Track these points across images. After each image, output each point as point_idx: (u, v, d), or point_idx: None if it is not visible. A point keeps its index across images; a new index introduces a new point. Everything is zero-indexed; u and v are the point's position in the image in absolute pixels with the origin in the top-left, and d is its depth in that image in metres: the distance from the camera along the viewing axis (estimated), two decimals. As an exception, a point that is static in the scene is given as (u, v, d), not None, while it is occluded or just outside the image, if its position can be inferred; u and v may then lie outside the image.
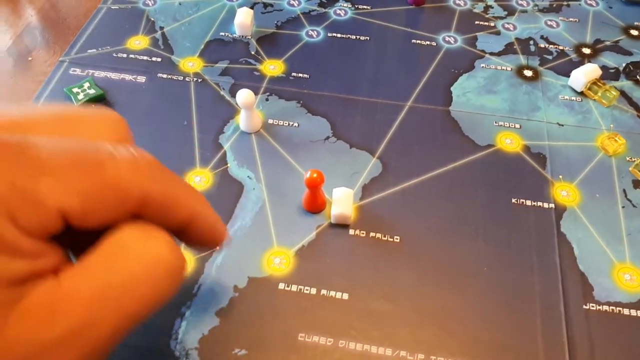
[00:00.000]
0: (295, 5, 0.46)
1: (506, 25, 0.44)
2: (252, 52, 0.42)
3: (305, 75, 0.40)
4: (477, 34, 0.43)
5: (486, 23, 0.44)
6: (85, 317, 0.16)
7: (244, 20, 0.42)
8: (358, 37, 0.43)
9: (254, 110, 0.36)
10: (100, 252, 0.18)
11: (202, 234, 0.21)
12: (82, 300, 0.16)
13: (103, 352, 0.17)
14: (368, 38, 0.43)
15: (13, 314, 0.15)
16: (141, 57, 0.41)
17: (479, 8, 0.46)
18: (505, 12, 0.45)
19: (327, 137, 0.36)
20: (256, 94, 0.39)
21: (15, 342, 0.15)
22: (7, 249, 0.15)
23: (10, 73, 0.41)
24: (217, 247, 0.27)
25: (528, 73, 0.41)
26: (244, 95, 0.34)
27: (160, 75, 0.40)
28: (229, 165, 0.35)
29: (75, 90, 0.38)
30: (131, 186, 0.18)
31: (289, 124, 0.37)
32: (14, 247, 0.15)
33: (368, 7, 0.45)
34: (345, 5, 0.46)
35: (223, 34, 0.43)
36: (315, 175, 0.30)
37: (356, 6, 0.45)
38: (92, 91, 0.38)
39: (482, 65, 0.41)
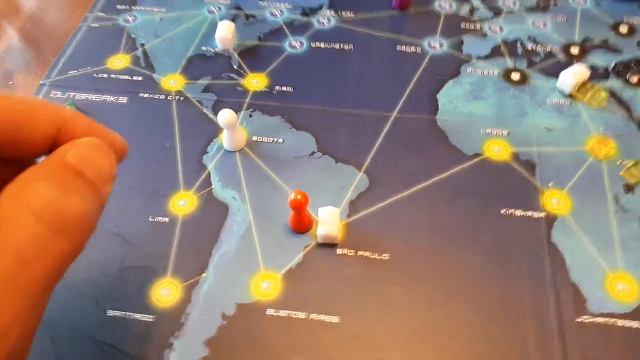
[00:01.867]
0: (278, 15, 0.45)
1: (493, 27, 0.43)
2: (235, 67, 0.41)
3: (289, 89, 0.40)
4: (462, 37, 0.43)
5: (472, 26, 0.44)
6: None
7: (225, 34, 0.41)
8: (342, 46, 0.42)
9: (236, 129, 0.35)
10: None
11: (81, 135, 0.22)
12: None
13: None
14: (352, 47, 0.42)
15: None
16: (122, 77, 0.41)
17: (464, 10, 0.45)
18: (492, 14, 0.45)
19: (313, 153, 0.36)
20: (239, 110, 0.38)
21: None
22: None
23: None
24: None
25: (515, 76, 0.40)
26: (225, 115, 0.34)
27: (142, 94, 0.39)
28: (213, 186, 0.34)
29: (56, 114, 0.37)
30: None
31: (273, 140, 0.37)
32: None
33: (352, 14, 0.45)
34: (329, 13, 0.45)
35: (205, 48, 0.42)
36: (299, 196, 0.30)
37: (340, 12, 0.45)
38: (73, 115, 0.37)
39: (468, 70, 0.40)
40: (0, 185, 0.19)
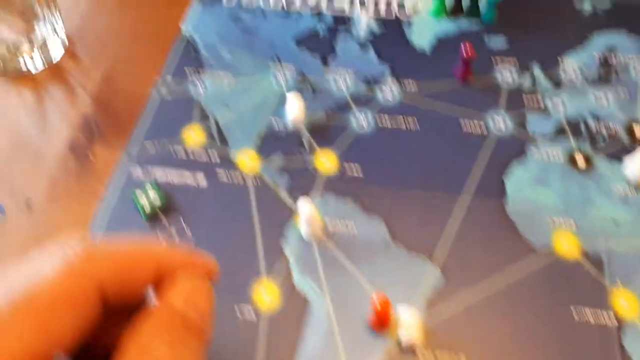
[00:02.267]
0: (343, 87, 0.46)
1: (555, 102, 0.44)
2: (305, 145, 0.43)
3: (358, 169, 0.41)
4: (526, 112, 0.44)
5: (534, 100, 0.44)
6: None
7: (296, 113, 0.43)
8: (407, 120, 0.44)
9: (314, 219, 0.37)
10: None
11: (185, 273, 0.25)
12: None
13: None
14: (417, 120, 0.44)
15: None
16: (199, 153, 0.43)
17: (526, 81, 0.46)
18: (553, 86, 0.45)
19: (385, 241, 0.38)
20: (313, 193, 0.40)
21: None
22: None
23: (74, 173, 0.43)
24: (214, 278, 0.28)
25: (580, 161, 0.41)
26: (304, 209, 0.36)
27: (219, 174, 0.41)
28: (293, 276, 0.36)
29: (140, 200, 0.40)
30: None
31: (347, 227, 0.38)
32: None
33: (414, 86, 0.46)
34: (392, 84, 0.46)
35: (275, 123, 0.44)
36: (380, 306, 0.32)
37: (403, 85, 0.46)
38: (157, 200, 0.40)
39: (533, 152, 0.41)
40: (109, 331, 0.21)
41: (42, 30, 0.48)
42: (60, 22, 0.50)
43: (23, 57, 0.48)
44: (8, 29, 0.46)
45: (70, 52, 0.51)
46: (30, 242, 0.39)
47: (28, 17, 0.46)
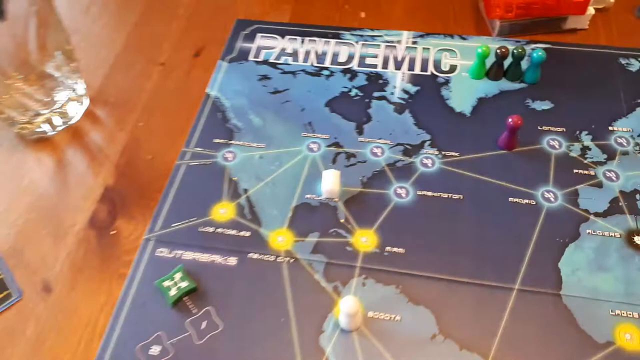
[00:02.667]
0: (379, 154, 0.44)
1: (607, 174, 0.41)
2: (342, 220, 0.40)
3: (401, 250, 0.38)
4: (577, 187, 0.41)
5: (585, 171, 0.42)
6: None
7: (332, 187, 0.40)
8: (450, 195, 0.41)
9: (356, 314, 0.34)
10: None
11: None
12: None
13: None
14: (461, 197, 0.41)
15: None
16: (229, 232, 0.40)
17: (575, 151, 0.43)
18: (605, 156, 0.42)
19: (434, 335, 0.35)
20: (351, 276, 0.37)
21: None
22: None
23: (96, 251, 0.41)
24: None
25: (639, 240, 0.38)
26: (349, 305, 0.33)
27: (250, 255, 0.39)
28: (335, 377, 0.33)
29: (166, 284, 0.37)
30: None
31: (390, 318, 0.36)
32: None
33: (456, 154, 0.43)
34: (432, 152, 0.43)
35: (309, 196, 0.41)
36: None
37: (443, 153, 0.43)
38: (184, 284, 0.37)
39: (587, 231, 0.39)
40: None
41: (61, 94, 0.46)
42: (81, 84, 0.47)
43: (43, 124, 0.46)
44: (27, 97, 0.44)
45: (91, 114, 0.49)
46: (48, 328, 0.37)
47: (46, 83, 0.44)
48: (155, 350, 0.35)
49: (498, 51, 0.45)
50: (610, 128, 0.44)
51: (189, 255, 0.39)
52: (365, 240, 0.39)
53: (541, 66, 0.46)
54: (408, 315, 0.36)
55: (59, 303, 0.38)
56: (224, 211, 0.41)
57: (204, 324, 0.36)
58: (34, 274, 0.39)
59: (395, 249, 0.39)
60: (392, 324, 0.35)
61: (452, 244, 0.39)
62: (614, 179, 0.41)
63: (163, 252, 0.39)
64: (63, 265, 0.40)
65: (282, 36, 0.52)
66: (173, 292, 0.37)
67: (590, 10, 0.50)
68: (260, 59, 0.51)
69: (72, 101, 0.47)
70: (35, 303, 0.38)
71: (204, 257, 0.39)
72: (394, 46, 0.51)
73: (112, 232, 0.41)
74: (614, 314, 0.35)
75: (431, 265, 0.38)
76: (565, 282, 0.36)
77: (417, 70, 0.49)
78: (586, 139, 0.44)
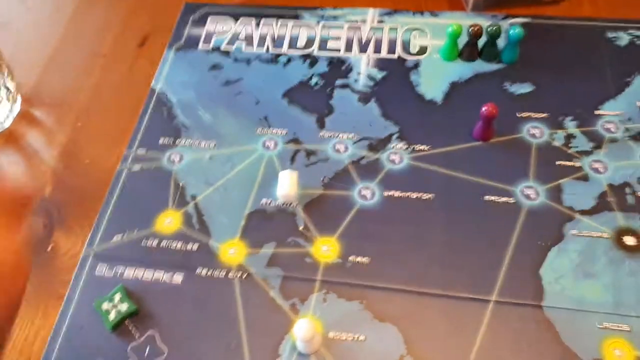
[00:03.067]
0: (342, 150, 0.39)
1: (594, 165, 0.37)
2: (300, 228, 0.36)
3: (365, 260, 0.35)
4: (560, 181, 0.37)
5: (570, 163, 0.38)
6: None
7: (288, 190, 0.36)
8: (420, 194, 0.37)
9: (314, 337, 0.31)
10: None
11: None
12: None
13: None
14: (431, 197, 0.37)
15: None
16: (175, 245, 0.36)
17: (558, 139, 0.39)
18: (591, 144, 0.38)
19: (402, 357, 0.31)
20: (310, 291, 0.34)
21: None
22: None
23: (32, 271, 0.36)
24: None
25: (630, 240, 0.34)
26: (304, 331, 0.29)
27: (198, 271, 0.35)
28: (291, 410, 0.30)
29: (105, 306, 0.33)
30: None
31: (353, 338, 0.32)
32: None
33: (426, 148, 0.39)
34: (400, 146, 0.39)
35: (265, 201, 0.37)
36: None
37: (412, 147, 0.39)
38: (124, 306, 0.33)
39: (572, 231, 0.35)
40: None
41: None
42: (11, 83, 0.43)
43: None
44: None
45: (26, 116, 0.44)
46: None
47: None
48: (94, 381, 0.31)
49: (470, 30, 0.41)
50: (597, 112, 0.40)
51: (130, 272, 0.35)
52: (326, 249, 0.35)
53: (519, 44, 0.42)
54: (373, 335, 0.32)
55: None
56: (169, 221, 0.37)
57: (147, 350, 0.32)
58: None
59: (359, 259, 0.35)
60: (356, 345, 0.32)
61: (421, 251, 0.35)
62: (601, 170, 0.37)
63: (103, 270, 0.35)
64: (-8, 291, 0.36)
65: (236, 19, 0.47)
66: (112, 315, 0.33)
67: (574, -21, 0.46)
68: (211, 46, 0.46)
69: (2, 100, 0.42)
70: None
71: (147, 274, 0.35)
72: (359, 27, 0.46)
73: (49, 249, 0.37)
74: (601, 327, 0.31)
75: (398, 276, 0.34)
76: (547, 291, 0.33)
77: (384, 53, 0.44)
78: (570, 126, 0.39)
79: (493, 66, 0.43)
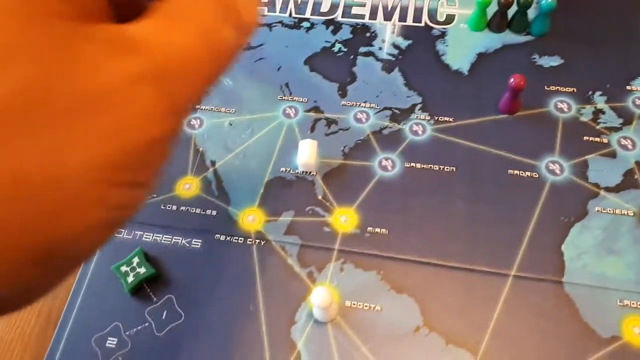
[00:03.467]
0: (364, 120, 0.39)
1: (623, 142, 0.36)
2: (319, 197, 0.36)
3: (384, 231, 0.34)
4: (587, 157, 0.36)
5: (597, 139, 0.37)
6: (166, 61, 0.14)
7: (308, 159, 0.36)
8: (442, 167, 0.36)
9: (330, 305, 0.31)
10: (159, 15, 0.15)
11: None
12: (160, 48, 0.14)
13: (184, 109, 0.16)
14: (454, 169, 0.36)
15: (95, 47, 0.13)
16: (193, 210, 0.36)
17: (586, 115, 0.38)
18: (621, 120, 0.37)
19: (417, 328, 0.31)
20: (328, 260, 0.33)
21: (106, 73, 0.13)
22: None
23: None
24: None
25: (656, 219, 0.33)
26: (321, 299, 0.29)
27: (217, 237, 0.35)
28: (305, 373, 0.30)
29: (123, 269, 0.34)
30: None
31: (369, 308, 0.32)
32: None
33: (450, 120, 0.38)
34: (423, 117, 0.38)
35: (284, 169, 0.37)
36: None
37: (436, 118, 0.38)
38: (142, 269, 0.34)
39: (596, 208, 0.34)
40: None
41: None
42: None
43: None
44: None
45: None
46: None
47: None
48: (112, 342, 0.32)
49: (501, -1, 0.39)
50: (629, 87, 0.39)
51: (149, 236, 0.35)
52: (344, 219, 0.35)
53: (551, 15, 0.40)
54: (389, 305, 0.32)
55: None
56: (188, 187, 0.37)
57: (165, 314, 0.33)
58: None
59: (377, 230, 0.34)
60: (372, 315, 0.32)
61: (441, 223, 0.34)
62: (630, 147, 0.36)
63: (121, 232, 0.35)
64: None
65: (259, -17, 0.46)
66: (130, 278, 0.33)
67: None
68: (233, 10, 0.45)
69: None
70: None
71: (165, 239, 0.35)
72: (384, -7, 0.45)
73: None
74: (622, 304, 0.31)
75: (417, 248, 0.33)
76: (569, 267, 0.32)
77: (410, 21, 0.43)
78: (599, 101, 0.38)
79: (522, 38, 0.42)
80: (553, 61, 0.40)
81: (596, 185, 0.35)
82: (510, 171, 0.36)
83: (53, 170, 0.12)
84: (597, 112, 0.38)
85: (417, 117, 0.38)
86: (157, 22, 0.15)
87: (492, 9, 0.41)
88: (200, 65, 0.16)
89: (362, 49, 0.42)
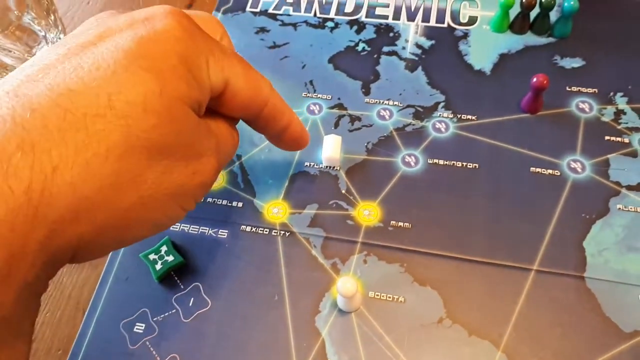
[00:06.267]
0: (387, 117, 0.39)
1: (644, 142, 0.37)
2: (343, 191, 0.36)
3: (407, 224, 0.35)
4: (608, 156, 0.36)
5: (619, 138, 0.37)
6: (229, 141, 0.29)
7: (333, 154, 0.37)
8: (464, 164, 0.37)
9: (355, 295, 0.31)
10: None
11: (294, 137, 0.31)
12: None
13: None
14: (477, 166, 0.37)
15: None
16: (220, 202, 0.37)
17: (608, 115, 0.38)
18: (642, 121, 0.38)
19: (441, 319, 0.32)
20: (351, 252, 0.34)
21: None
22: (201, 76, 0.24)
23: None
24: (302, 148, 0.33)
25: (678, 218, 0.34)
26: (346, 288, 0.30)
27: (243, 228, 0.36)
28: (327, 357, 0.31)
29: (152, 257, 0.34)
30: (265, 92, 0.28)
31: (393, 299, 0.32)
32: (203, 79, 0.24)
33: (473, 118, 0.39)
34: (446, 115, 0.39)
35: (308, 164, 0.38)
36: None
37: (458, 116, 0.39)
38: (170, 257, 0.34)
39: (618, 206, 0.34)
40: None
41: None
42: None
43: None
44: (8, 54, 0.40)
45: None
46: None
47: (28, 39, 0.41)
48: (140, 327, 0.33)
49: (524, 0, 0.40)
50: (650, 89, 0.39)
51: (176, 226, 0.36)
52: (368, 213, 0.36)
53: (573, 17, 0.41)
54: (413, 297, 0.32)
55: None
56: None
57: (191, 301, 0.33)
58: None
59: (400, 224, 0.35)
60: (395, 306, 0.32)
61: (464, 218, 0.35)
62: (651, 147, 0.37)
63: (150, 222, 0.36)
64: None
65: (284, -17, 0.48)
66: (159, 266, 0.34)
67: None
68: (258, 9, 0.46)
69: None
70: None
71: (193, 229, 0.36)
72: (408, -5, 0.46)
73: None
74: (644, 300, 0.31)
75: (440, 242, 0.34)
76: (590, 263, 0.33)
77: (433, 22, 0.44)
78: (621, 102, 0.39)
79: (544, 40, 0.42)
80: (575, 63, 0.41)
81: (617, 183, 0.35)
82: (532, 169, 0.36)
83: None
84: (619, 113, 0.38)
85: (439, 115, 0.39)
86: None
87: (515, 10, 0.42)
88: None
89: (386, 49, 0.43)
